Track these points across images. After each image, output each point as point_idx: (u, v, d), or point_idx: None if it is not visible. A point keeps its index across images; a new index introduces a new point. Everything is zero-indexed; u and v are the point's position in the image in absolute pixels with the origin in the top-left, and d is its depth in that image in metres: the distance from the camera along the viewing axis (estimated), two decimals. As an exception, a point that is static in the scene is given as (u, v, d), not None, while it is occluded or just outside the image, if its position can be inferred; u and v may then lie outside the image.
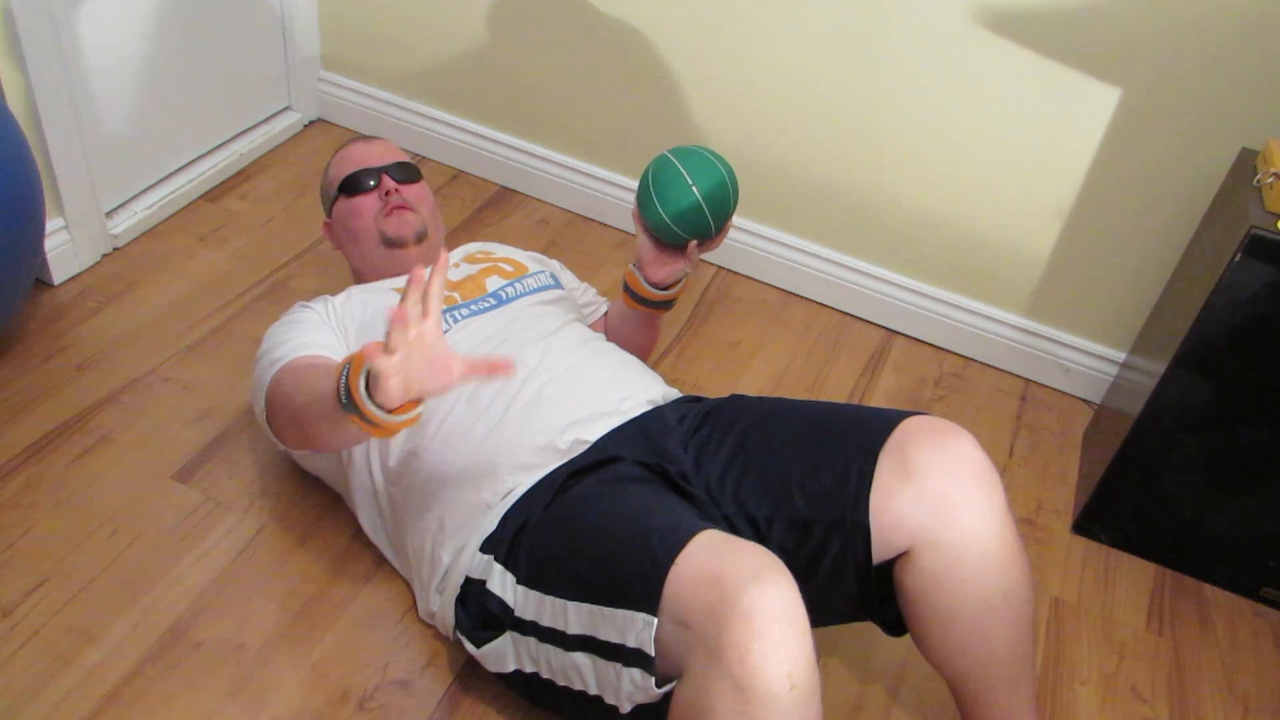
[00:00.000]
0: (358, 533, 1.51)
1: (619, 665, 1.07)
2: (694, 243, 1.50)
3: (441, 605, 1.32)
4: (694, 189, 1.45)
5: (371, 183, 1.55)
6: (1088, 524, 1.72)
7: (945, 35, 1.76)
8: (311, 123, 2.38)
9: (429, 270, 1.07)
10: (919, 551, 1.17)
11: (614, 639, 1.07)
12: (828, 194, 2.01)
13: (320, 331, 1.40)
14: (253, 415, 1.65)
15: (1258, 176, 1.49)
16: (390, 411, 1.05)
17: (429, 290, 1.04)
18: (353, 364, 1.07)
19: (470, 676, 1.36)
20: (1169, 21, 1.62)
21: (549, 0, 2.03)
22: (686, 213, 1.46)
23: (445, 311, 1.43)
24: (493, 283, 1.51)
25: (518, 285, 1.52)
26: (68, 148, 1.77)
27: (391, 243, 1.52)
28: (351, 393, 1.06)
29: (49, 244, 1.79)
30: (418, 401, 1.06)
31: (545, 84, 2.14)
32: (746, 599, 0.97)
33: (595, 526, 1.16)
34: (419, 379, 1.03)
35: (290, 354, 1.35)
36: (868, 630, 1.33)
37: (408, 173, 1.59)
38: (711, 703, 0.97)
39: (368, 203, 1.54)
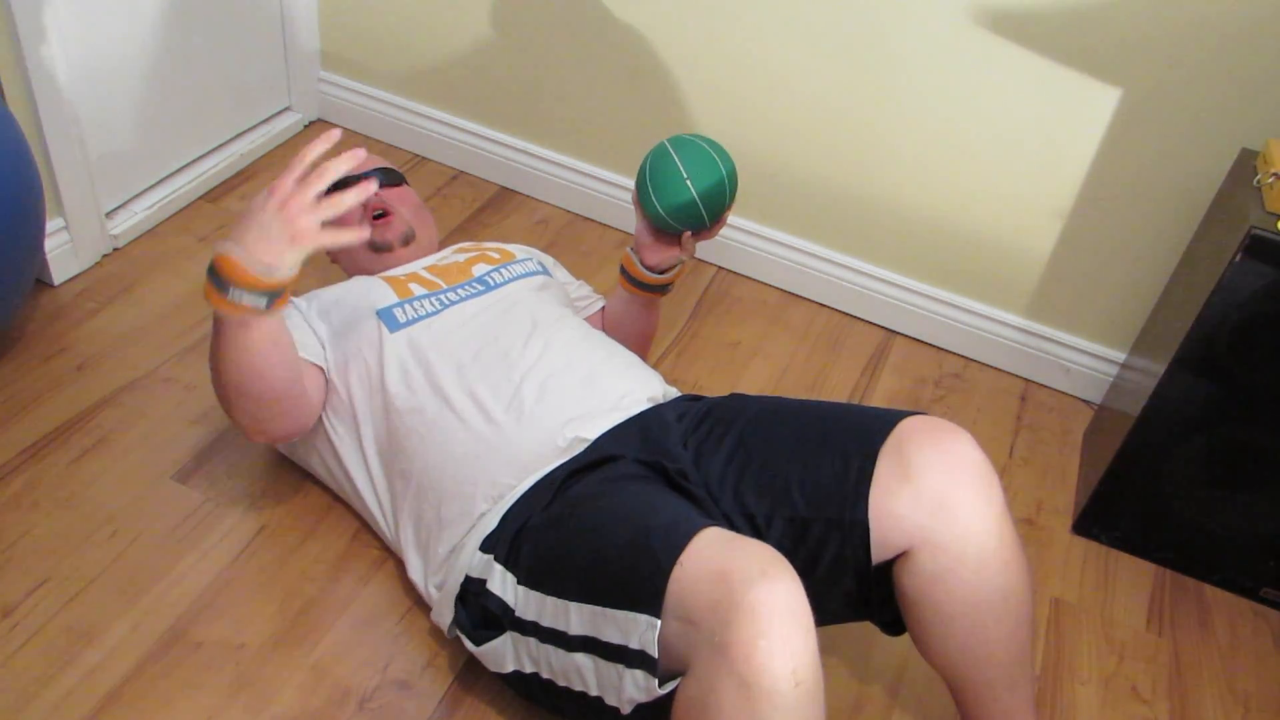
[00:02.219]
0: (358, 533, 1.51)
1: (621, 666, 1.07)
2: (688, 234, 1.50)
3: (440, 602, 1.32)
4: (689, 184, 1.45)
5: None
6: (1088, 524, 1.72)
7: (945, 35, 1.77)
8: (311, 123, 2.38)
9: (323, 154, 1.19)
10: (917, 552, 1.17)
11: (616, 640, 1.07)
12: (828, 194, 2.01)
13: (297, 327, 1.41)
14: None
15: (1258, 177, 1.49)
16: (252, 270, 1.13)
17: (312, 168, 1.15)
18: (227, 266, 1.13)
19: (470, 677, 1.36)
20: (1169, 21, 1.62)
21: (549, 1, 2.03)
22: (681, 207, 1.46)
23: (431, 295, 1.44)
24: (479, 268, 1.51)
25: (504, 271, 1.52)
26: (68, 148, 1.77)
27: (379, 248, 1.54)
28: (248, 282, 1.13)
29: (49, 244, 1.79)
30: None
31: (545, 84, 2.14)
32: (753, 595, 0.97)
33: (596, 526, 1.16)
34: (306, 242, 1.14)
35: None
36: (867, 630, 1.33)
37: (390, 177, 1.59)
38: (716, 699, 0.97)
39: (349, 212, 1.54)
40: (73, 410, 1.62)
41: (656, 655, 1.03)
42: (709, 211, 1.47)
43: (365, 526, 1.52)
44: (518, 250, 1.62)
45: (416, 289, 1.44)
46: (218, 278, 1.13)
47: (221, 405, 1.32)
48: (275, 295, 1.16)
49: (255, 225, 1.13)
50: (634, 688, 1.07)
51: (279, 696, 1.31)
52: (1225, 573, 1.68)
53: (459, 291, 1.45)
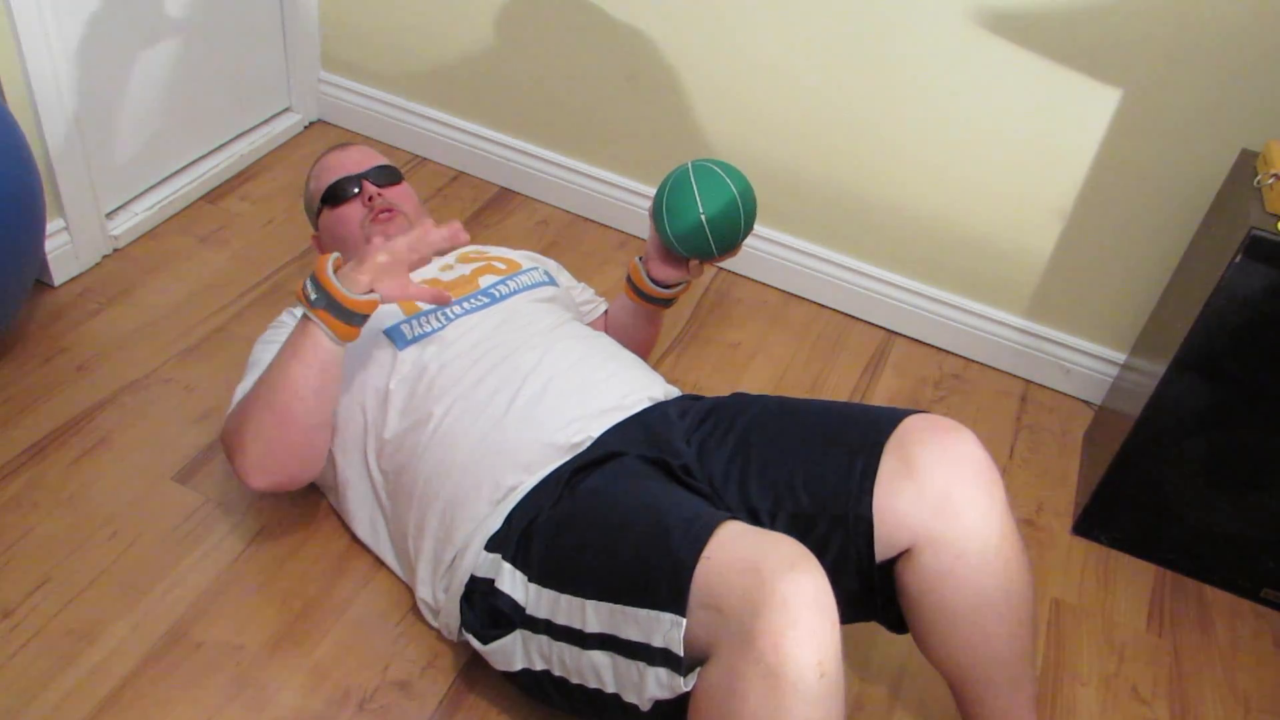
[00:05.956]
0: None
1: (642, 664, 1.07)
2: (695, 261, 1.50)
3: (446, 603, 1.32)
4: (701, 214, 1.44)
5: (354, 190, 1.53)
6: (1088, 525, 1.72)
7: (945, 35, 1.77)
8: (312, 124, 2.38)
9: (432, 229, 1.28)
10: (920, 550, 1.17)
11: (637, 638, 1.07)
12: (828, 195, 2.01)
13: None
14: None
15: (1258, 178, 1.49)
16: (356, 294, 1.24)
17: (427, 238, 1.26)
18: (319, 264, 1.26)
19: (471, 677, 1.36)
20: (1169, 21, 1.62)
21: (549, 1, 2.03)
22: (689, 234, 1.46)
23: (438, 310, 1.43)
24: (486, 280, 1.51)
25: (511, 282, 1.52)
26: (68, 148, 1.77)
27: None
28: (319, 279, 1.24)
29: (49, 245, 1.79)
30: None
31: (545, 85, 2.14)
32: (784, 586, 0.97)
33: (610, 523, 1.15)
34: (380, 280, 1.25)
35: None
36: (869, 630, 1.33)
37: (388, 176, 1.57)
38: (741, 688, 0.98)
39: (352, 211, 1.53)
40: (73, 411, 1.62)
41: (682, 654, 1.03)
42: (717, 243, 1.46)
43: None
44: (524, 259, 1.61)
45: (423, 303, 1.44)
46: (330, 286, 1.25)
47: (237, 438, 1.32)
48: (336, 304, 1.24)
49: (378, 268, 1.27)
50: (656, 685, 1.07)
51: (279, 697, 1.31)
52: (1225, 573, 1.68)
53: (464, 304, 1.45)
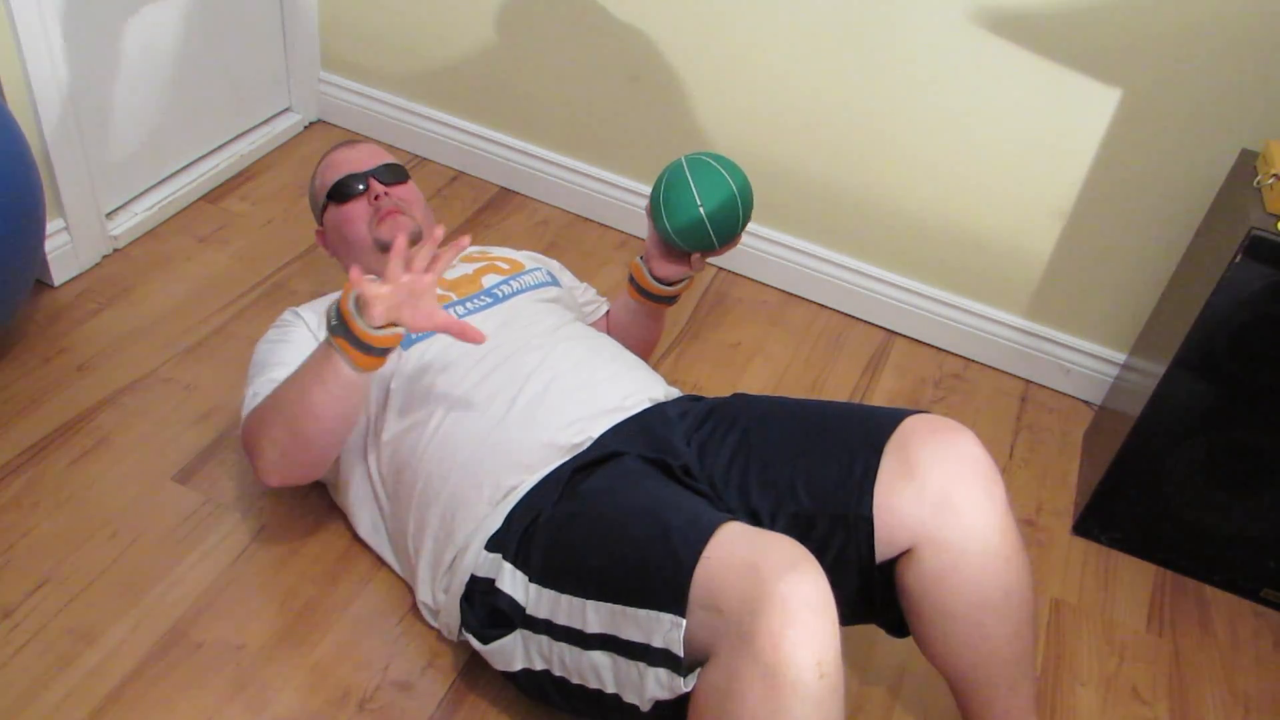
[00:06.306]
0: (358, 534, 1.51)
1: (643, 665, 1.07)
2: (697, 254, 1.50)
3: (446, 603, 1.32)
4: (700, 208, 1.44)
5: (360, 187, 1.53)
6: (1088, 525, 1.72)
7: (946, 35, 1.77)
8: (312, 124, 2.38)
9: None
10: (921, 549, 1.17)
11: (637, 639, 1.07)
12: (828, 195, 2.01)
13: (304, 350, 1.38)
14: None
15: (1258, 178, 1.49)
16: (374, 328, 1.19)
17: (441, 255, 1.19)
18: (344, 291, 1.20)
19: (471, 677, 1.36)
20: (1169, 22, 1.63)
21: (549, 1, 2.03)
22: (690, 228, 1.46)
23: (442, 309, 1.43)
24: (489, 280, 1.51)
25: (514, 283, 1.52)
26: (68, 148, 1.77)
27: (387, 248, 1.51)
28: (341, 310, 1.19)
29: (49, 245, 1.79)
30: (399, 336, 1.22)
31: (546, 85, 2.14)
32: (783, 587, 0.98)
33: (611, 524, 1.16)
34: (400, 313, 1.19)
35: (267, 388, 1.35)
36: (869, 631, 1.33)
37: (395, 174, 1.56)
38: (740, 689, 0.98)
39: (358, 209, 1.52)
40: (73, 411, 1.62)
41: (682, 654, 1.04)
42: (718, 232, 1.47)
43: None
44: (526, 259, 1.61)
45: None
46: (349, 320, 1.20)
47: (254, 444, 1.32)
48: (354, 337, 1.19)
49: (392, 299, 1.20)
50: (656, 686, 1.07)
51: (279, 697, 1.31)
52: (1225, 573, 1.68)
53: (468, 305, 1.45)
